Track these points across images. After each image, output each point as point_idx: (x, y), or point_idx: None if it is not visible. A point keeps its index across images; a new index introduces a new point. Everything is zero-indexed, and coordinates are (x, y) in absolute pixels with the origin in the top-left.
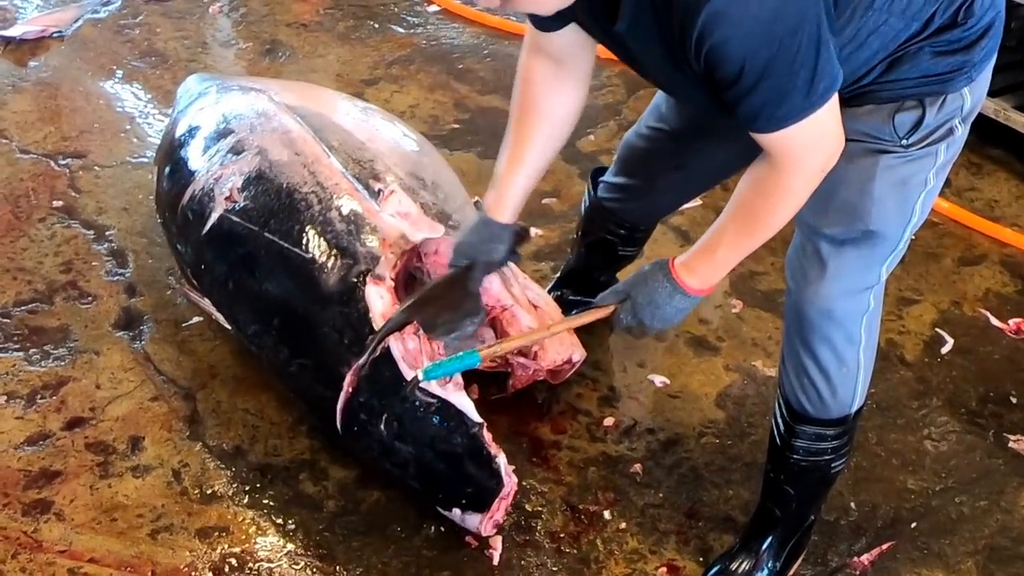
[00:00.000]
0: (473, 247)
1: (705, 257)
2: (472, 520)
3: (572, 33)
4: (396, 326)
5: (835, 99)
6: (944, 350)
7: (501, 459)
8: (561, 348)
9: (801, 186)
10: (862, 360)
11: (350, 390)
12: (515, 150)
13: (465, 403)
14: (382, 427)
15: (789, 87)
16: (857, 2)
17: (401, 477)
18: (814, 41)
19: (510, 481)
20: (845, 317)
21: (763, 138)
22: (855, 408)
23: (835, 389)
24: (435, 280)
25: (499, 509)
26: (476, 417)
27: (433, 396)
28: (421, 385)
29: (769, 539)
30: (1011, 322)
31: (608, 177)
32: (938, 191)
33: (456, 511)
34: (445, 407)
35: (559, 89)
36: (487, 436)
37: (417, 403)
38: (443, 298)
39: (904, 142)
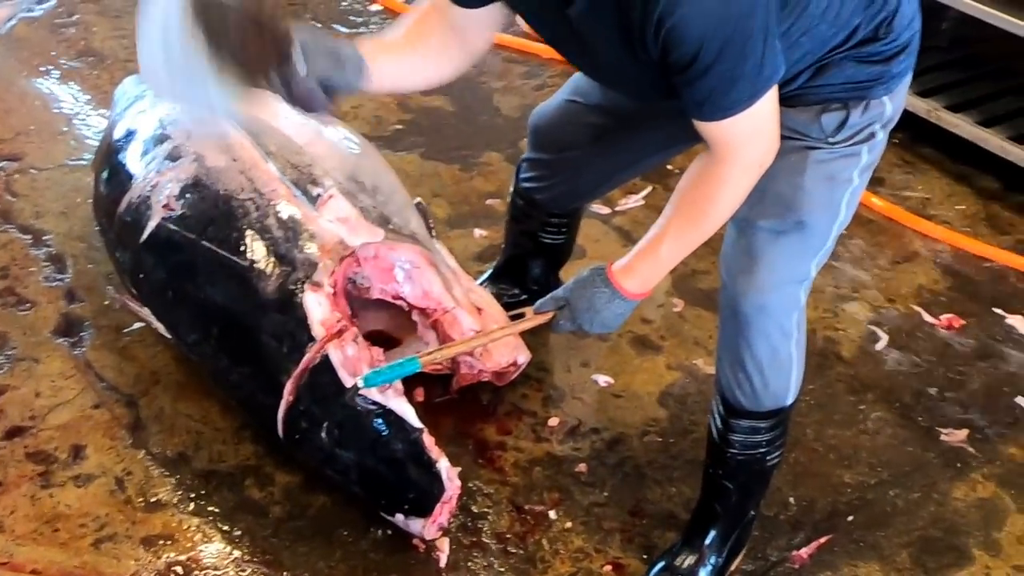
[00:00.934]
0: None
1: (646, 257)
2: (415, 525)
3: (481, 16)
4: None
5: (775, 93)
6: (879, 347)
7: (443, 463)
8: (506, 350)
9: (740, 177)
10: (794, 354)
11: (290, 398)
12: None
13: (405, 409)
14: (323, 434)
15: (738, 73)
16: (795, 2)
17: (344, 483)
18: (763, 30)
19: (452, 486)
20: (778, 310)
21: (706, 127)
22: (789, 401)
23: (768, 382)
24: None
25: (442, 513)
26: (416, 422)
27: (373, 403)
28: (361, 392)
29: (711, 534)
30: (942, 318)
31: (525, 157)
32: (861, 192)
33: (399, 516)
34: (385, 413)
35: (439, 50)
36: (428, 441)
37: (357, 410)
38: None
39: (830, 139)
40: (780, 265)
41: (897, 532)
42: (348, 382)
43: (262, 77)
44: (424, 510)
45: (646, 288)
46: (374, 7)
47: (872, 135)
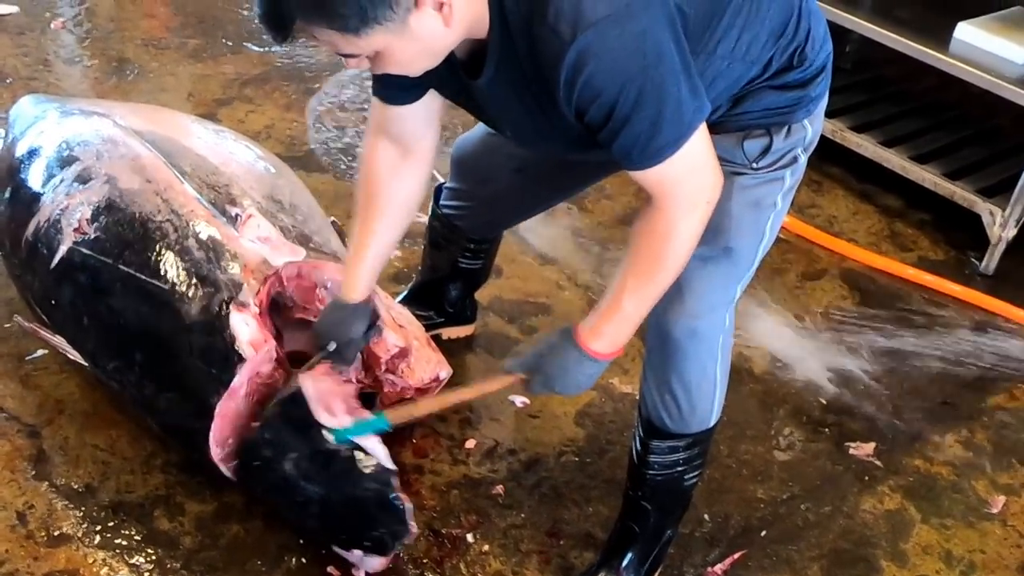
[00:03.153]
0: (331, 328)
1: (610, 317)
2: (372, 562)
3: (418, 111)
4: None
5: (704, 130)
6: (788, 363)
7: (408, 505)
8: (428, 366)
9: (686, 219)
10: (719, 376)
11: (254, 424)
12: (361, 235)
13: (378, 449)
14: (287, 465)
15: (660, 118)
16: (701, 47)
17: (298, 515)
18: (676, 72)
19: (414, 528)
20: (708, 334)
21: (641, 176)
22: (712, 423)
23: (695, 405)
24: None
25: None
26: (389, 463)
27: (347, 440)
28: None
29: (629, 555)
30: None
31: (446, 185)
32: (784, 214)
33: (357, 552)
34: (358, 452)
35: (403, 176)
36: (396, 482)
37: (329, 446)
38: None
39: (754, 165)
40: (709, 291)
41: (809, 545)
42: (321, 417)
43: None
44: (386, 549)
45: (616, 347)
46: None
47: (795, 159)
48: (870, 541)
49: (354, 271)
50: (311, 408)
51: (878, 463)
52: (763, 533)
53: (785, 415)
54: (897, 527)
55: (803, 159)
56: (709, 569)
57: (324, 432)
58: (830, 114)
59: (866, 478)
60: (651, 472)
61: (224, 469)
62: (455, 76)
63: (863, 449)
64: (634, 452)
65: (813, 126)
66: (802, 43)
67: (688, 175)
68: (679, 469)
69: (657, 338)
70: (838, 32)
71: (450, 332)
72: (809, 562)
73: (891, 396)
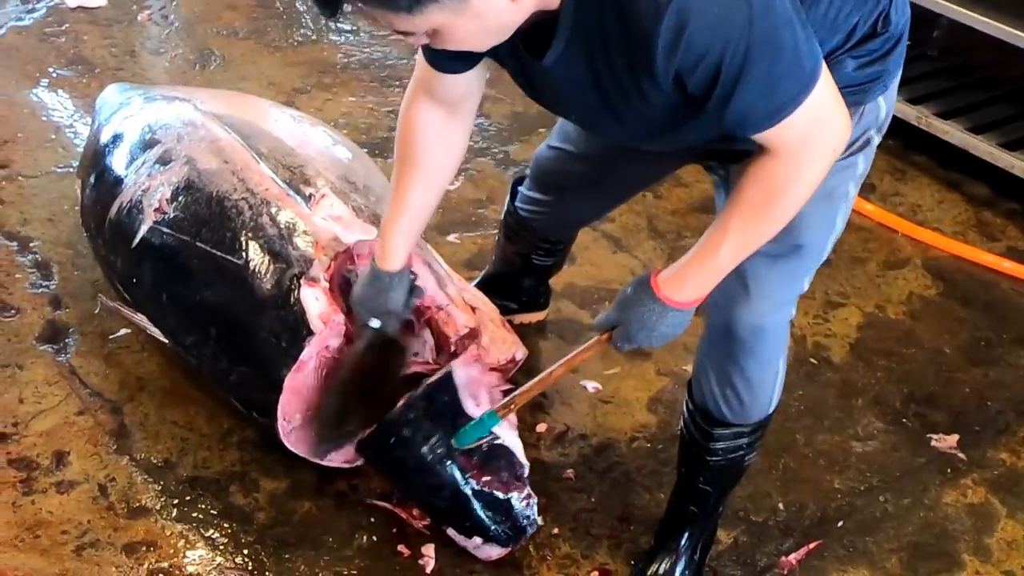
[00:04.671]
0: (369, 302)
1: (703, 263)
2: (489, 551)
3: (469, 74)
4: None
5: (827, 76)
6: (869, 352)
7: (534, 500)
8: (503, 347)
9: (810, 172)
10: (781, 367)
11: (400, 403)
12: (398, 199)
13: (516, 444)
14: (424, 448)
15: (775, 74)
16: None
17: (425, 498)
18: (789, 18)
19: (539, 520)
20: (773, 331)
21: (762, 137)
22: (773, 409)
23: (757, 397)
24: (349, 356)
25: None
26: (524, 459)
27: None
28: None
29: (687, 535)
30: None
31: (524, 189)
32: (853, 202)
33: (476, 539)
34: (497, 445)
35: (445, 138)
36: (527, 477)
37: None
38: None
39: None
40: (777, 290)
41: (887, 538)
42: (467, 405)
43: None
44: (510, 542)
45: (701, 294)
46: None
47: (868, 141)
48: (952, 535)
49: (390, 238)
50: (459, 396)
51: (961, 456)
52: (840, 524)
53: (864, 405)
54: (981, 521)
55: (876, 140)
56: (783, 559)
57: (451, 440)
58: (915, 100)
59: (948, 471)
60: (714, 458)
61: (288, 444)
62: (515, 54)
63: (946, 441)
64: (690, 438)
65: (887, 103)
66: (887, 6)
67: (813, 128)
68: (741, 452)
69: (720, 333)
70: (926, 18)
71: (523, 318)
72: (888, 554)
73: (975, 388)
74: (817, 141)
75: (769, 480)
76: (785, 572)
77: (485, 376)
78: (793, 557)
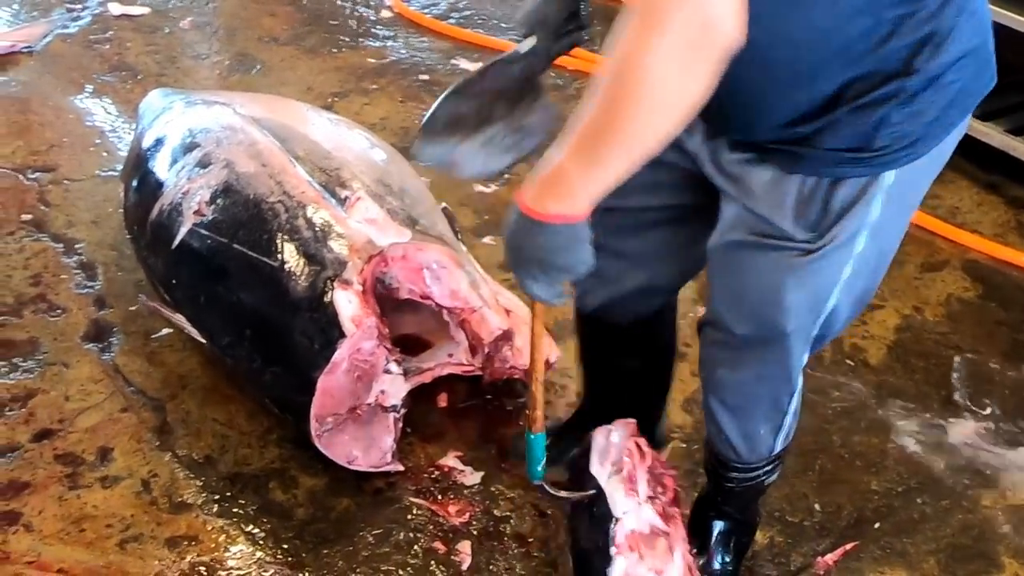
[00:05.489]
0: (533, 14)
1: (549, 164)
2: None
3: None
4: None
5: None
6: (907, 354)
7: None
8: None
9: (662, 45)
10: (790, 413)
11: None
12: None
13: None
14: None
15: None
16: None
17: None
18: None
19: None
20: (775, 400)
21: None
22: (786, 444)
23: (755, 449)
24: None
25: None
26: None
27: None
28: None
29: (717, 530)
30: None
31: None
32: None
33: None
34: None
35: None
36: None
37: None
38: (502, 91)
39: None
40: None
41: (925, 539)
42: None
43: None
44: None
45: (561, 202)
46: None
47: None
48: (991, 537)
49: None
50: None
51: (1001, 457)
52: (876, 525)
53: (901, 407)
54: (1021, 523)
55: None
56: (819, 559)
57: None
58: None
59: (987, 472)
60: (730, 485)
61: (320, 445)
62: None
63: (984, 443)
64: (706, 459)
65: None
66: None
67: None
68: (760, 478)
69: (716, 391)
70: None
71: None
72: (925, 556)
73: (1015, 389)
74: (672, 9)
75: (805, 481)
76: (821, 572)
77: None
78: (829, 558)
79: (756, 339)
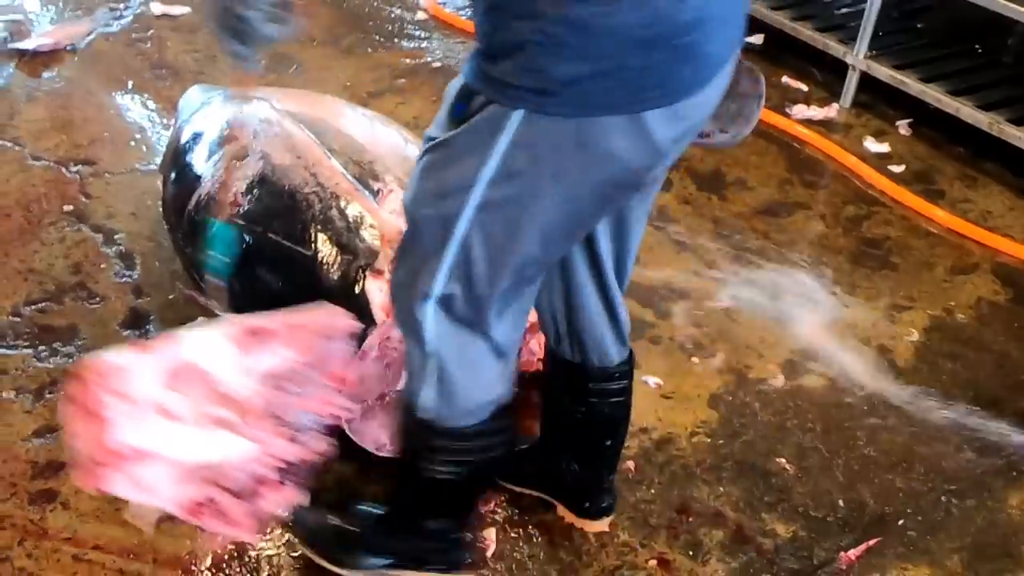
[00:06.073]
0: None
1: None
2: None
3: None
4: None
5: None
6: (934, 355)
7: None
8: None
9: None
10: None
11: None
12: None
13: None
14: None
15: None
16: None
17: None
18: None
19: None
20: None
21: None
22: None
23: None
24: None
25: None
26: None
27: None
28: None
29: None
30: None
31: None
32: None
33: None
34: None
35: None
36: None
37: None
38: None
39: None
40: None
41: (949, 537)
42: None
43: None
44: None
45: None
46: (435, 22)
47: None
48: (1017, 536)
49: None
50: None
51: None
52: (900, 522)
53: (928, 407)
54: None
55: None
56: (843, 554)
57: None
58: (987, 107)
59: (1014, 473)
60: None
61: (350, 432)
62: None
63: (1012, 444)
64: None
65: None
66: None
67: None
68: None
69: None
70: (1000, 25)
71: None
72: (949, 553)
73: None
74: None
75: (830, 477)
76: (844, 567)
77: None
78: (852, 553)
79: None
